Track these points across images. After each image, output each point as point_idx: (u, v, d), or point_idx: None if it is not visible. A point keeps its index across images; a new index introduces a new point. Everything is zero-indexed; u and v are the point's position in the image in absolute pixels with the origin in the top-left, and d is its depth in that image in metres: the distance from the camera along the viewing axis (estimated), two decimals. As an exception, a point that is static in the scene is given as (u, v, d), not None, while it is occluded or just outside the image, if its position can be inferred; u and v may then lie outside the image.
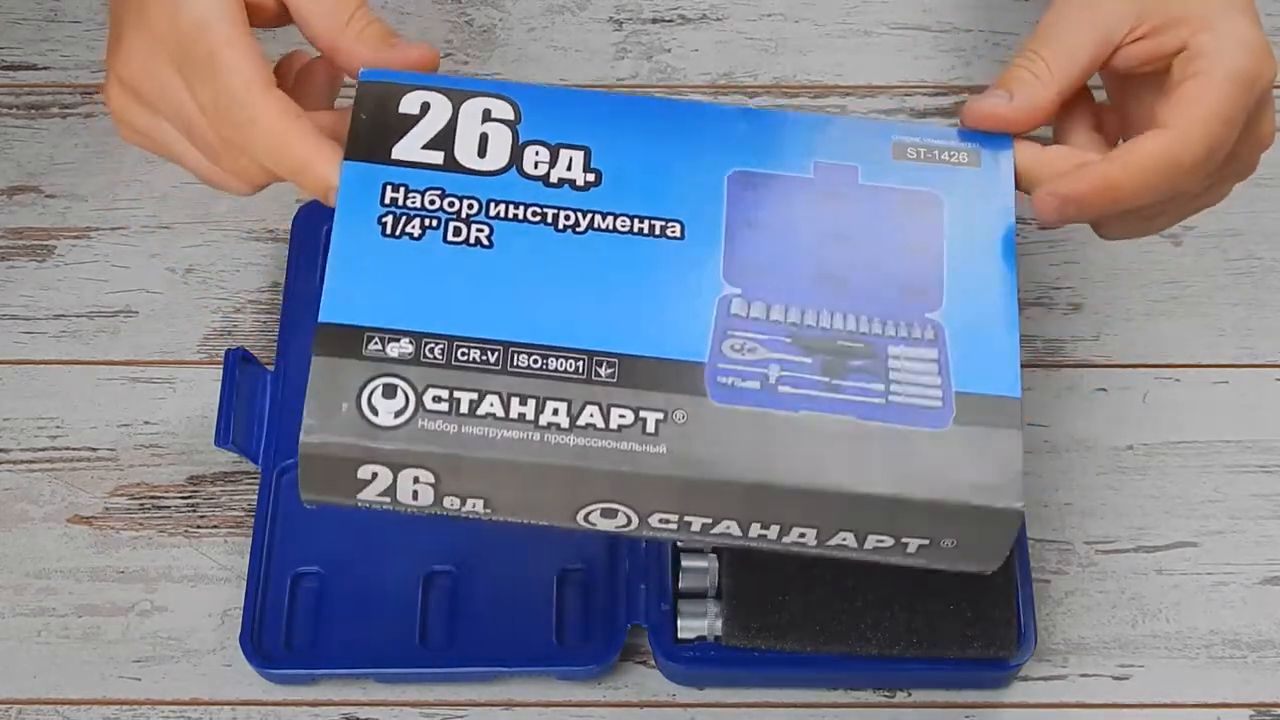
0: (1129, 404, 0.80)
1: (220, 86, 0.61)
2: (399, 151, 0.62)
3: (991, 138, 0.64)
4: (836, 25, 0.92)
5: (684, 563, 0.74)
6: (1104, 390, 0.81)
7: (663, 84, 0.90)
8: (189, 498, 0.78)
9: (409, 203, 0.61)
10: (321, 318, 0.59)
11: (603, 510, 0.60)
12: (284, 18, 0.64)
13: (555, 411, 0.59)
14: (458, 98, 0.62)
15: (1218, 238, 0.85)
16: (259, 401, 0.78)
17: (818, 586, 0.72)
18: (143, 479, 0.79)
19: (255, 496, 0.77)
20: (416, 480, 0.59)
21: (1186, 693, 0.74)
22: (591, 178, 0.62)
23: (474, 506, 0.60)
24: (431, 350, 0.59)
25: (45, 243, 0.85)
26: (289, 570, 0.75)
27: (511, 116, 0.62)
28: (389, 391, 0.59)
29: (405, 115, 0.62)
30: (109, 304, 0.83)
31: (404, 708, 0.74)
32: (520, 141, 0.62)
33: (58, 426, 0.80)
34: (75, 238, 0.85)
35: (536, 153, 0.62)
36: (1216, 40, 0.62)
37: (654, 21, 0.92)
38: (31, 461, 0.79)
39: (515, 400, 0.59)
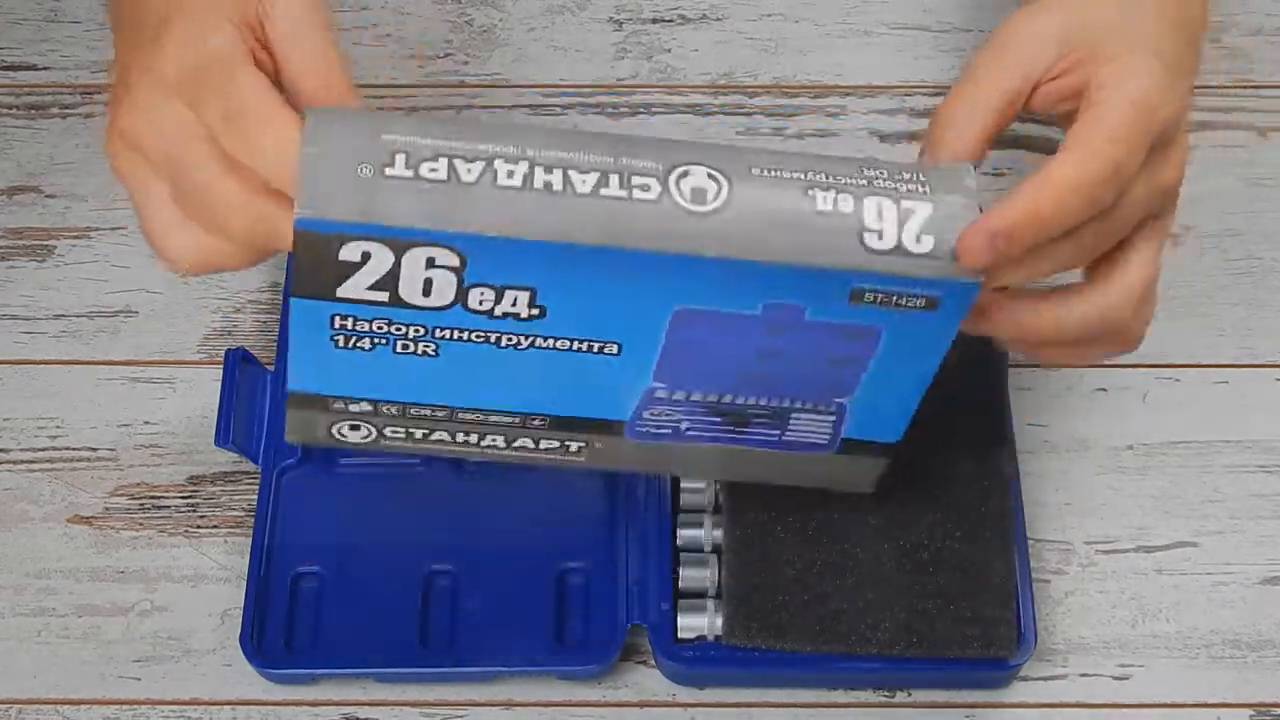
0: (1129, 404, 0.80)
1: (234, 96, 0.60)
2: (345, 291, 0.60)
3: (956, 287, 0.60)
4: (836, 25, 0.92)
5: (684, 562, 0.74)
6: (1104, 390, 0.81)
7: (662, 84, 0.90)
8: (189, 498, 0.78)
9: (358, 328, 0.62)
10: (290, 387, 0.66)
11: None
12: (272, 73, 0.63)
13: (493, 442, 0.69)
14: (400, 247, 0.58)
15: (1218, 238, 0.85)
16: (259, 401, 0.78)
17: (818, 586, 0.72)
18: (143, 479, 0.79)
19: (255, 496, 0.77)
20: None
21: (1186, 693, 0.74)
22: (536, 312, 0.61)
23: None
24: (388, 409, 0.67)
25: (45, 243, 0.85)
26: (289, 570, 0.75)
27: (457, 264, 0.59)
28: (354, 427, 0.68)
29: (345, 262, 0.59)
30: (109, 304, 0.83)
31: (404, 708, 0.74)
32: (465, 285, 0.60)
33: (58, 426, 0.80)
34: (75, 238, 0.85)
35: (481, 293, 0.60)
36: (1120, 70, 0.62)
37: (654, 21, 0.92)
38: (31, 461, 0.79)
39: (460, 433, 0.68)
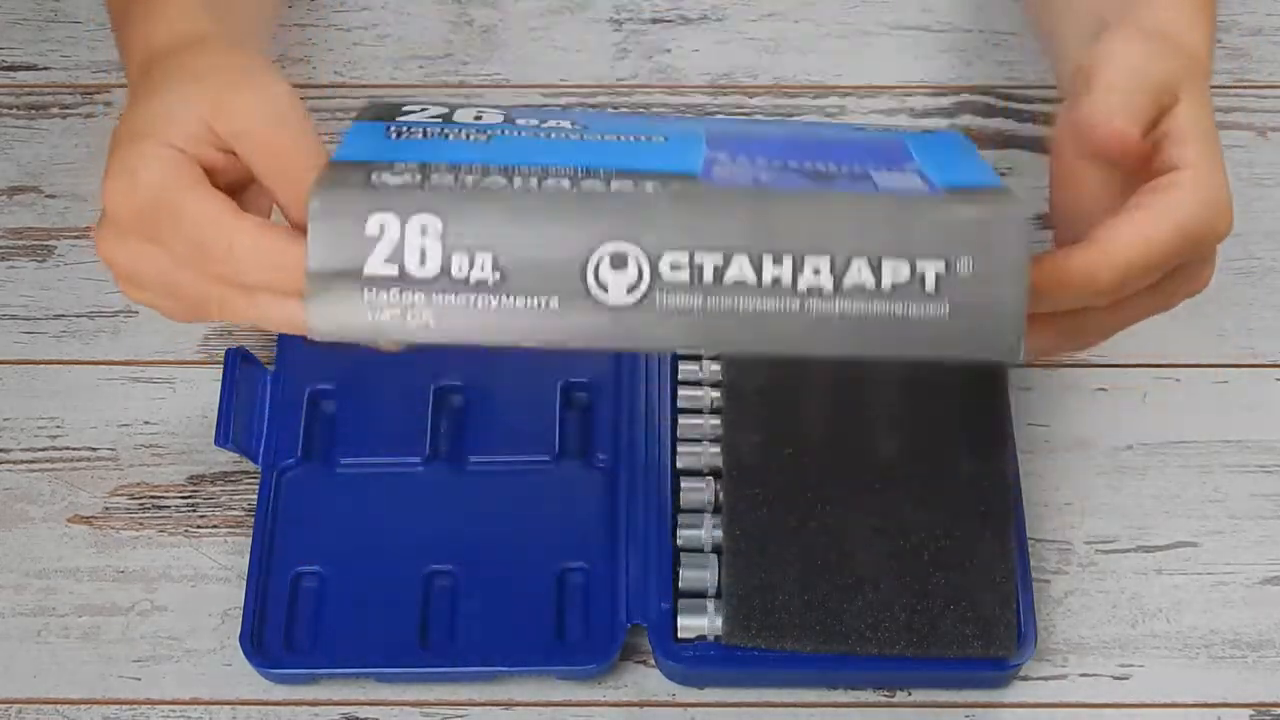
0: (1129, 404, 0.80)
1: (191, 231, 0.61)
2: (405, 116, 0.61)
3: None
4: (836, 25, 0.92)
5: (684, 562, 0.74)
6: (1104, 390, 0.81)
7: (662, 84, 0.90)
8: (189, 498, 0.78)
9: (413, 132, 0.61)
10: (334, 158, 0.59)
11: (612, 258, 0.57)
12: (242, 172, 0.63)
13: (559, 178, 0.58)
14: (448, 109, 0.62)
15: (1218, 238, 0.85)
16: (259, 401, 0.78)
17: (818, 586, 0.72)
18: (143, 479, 0.79)
19: (255, 496, 0.77)
20: (424, 231, 0.57)
21: (1187, 692, 0.74)
22: (579, 135, 0.62)
23: (482, 266, 0.57)
24: (437, 171, 0.58)
25: (45, 243, 0.85)
26: (289, 570, 0.75)
27: (500, 118, 0.63)
28: (394, 171, 0.58)
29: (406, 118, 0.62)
30: (109, 304, 0.83)
31: (404, 708, 0.74)
32: (513, 117, 0.63)
33: (58, 426, 0.80)
34: (75, 238, 0.85)
35: (525, 120, 0.63)
36: (1187, 185, 0.62)
37: (654, 22, 0.92)
38: (31, 461, 0.79)
39: (518, 177, 0.58)
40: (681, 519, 0.75)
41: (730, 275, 0.57)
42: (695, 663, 0.73)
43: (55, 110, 0.89)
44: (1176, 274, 0.64)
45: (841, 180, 0.59)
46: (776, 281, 0.57)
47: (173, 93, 0.64)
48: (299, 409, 0.78)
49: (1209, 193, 0.63)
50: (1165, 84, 0.64)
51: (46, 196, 0.86)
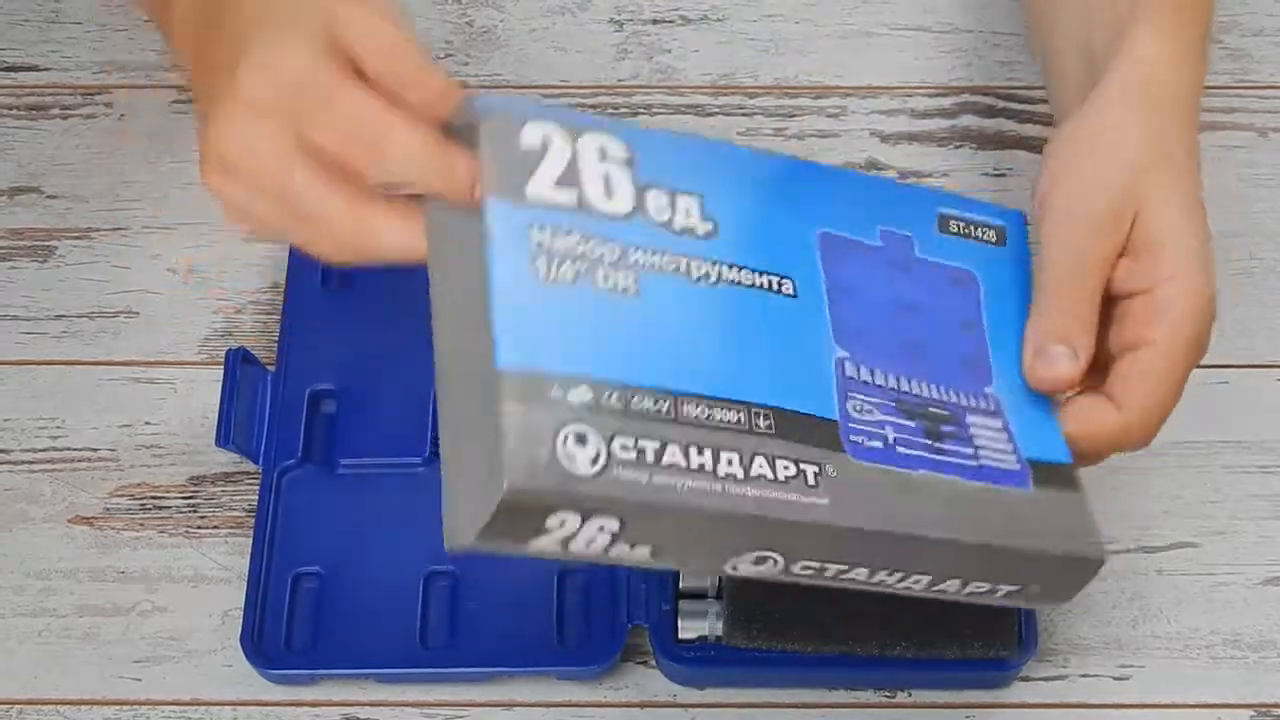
0: (1129, 404, 0.80)
1: (339, 114, 0.60)
2: (534, 187, 0.61)
3: (1009, 214, 0.70)
4: (837, 26, 0.92)
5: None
6: (1104, 390, 0.81)
7: (663, 84, 0.90)
8: (189, 498, 0.78)
9: (556, 245, 0.61)
10: (500, 364, 0.57)
11: (756, 557, 0.61)
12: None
13: (730, 462, 0.60)
14: (573, 132, 0.62)
15: (1218, 238, 0.84)
16: (259, 401, 0.78)
17: (818, 587, 0.72)
18: (143, 479, 0.79)
19: (255, 497, 0.77)
20: (601, 529, 0.58)
21: (1187, 693, 0.74)
22: (710, 227, 0.63)
23: (641, 553, 0.60)
24: (609, 398, 0.59)
25: (46, 243, 0.85)
26: (289, 570, 0.75)
27: (626, 156, 0.63)
28: (580, 439, 0.58)
29: (529, 151, 0.61)
30: (110, 304, 0.83)
31: (404, 708, 0.74)
32: (641, 183, 0.63)
33: (58, 427, 0.80)
34: (76, 238, 0.85)
35: (656, 197, 0.63)
36: (1176, 299, 0.65)
37: (654, 22, 0.92)
38: (32, 462, 0.79)
39: (694, 450, 0.59)
40: (682, 519, 0.75)
41: (848, 575, 0.63)
42: (696, 663, 0.73)
43: (56, 111, 0.89)
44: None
45: (948, 441, 0.64)
46: (881, 582, 0.63)
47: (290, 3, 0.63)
48: (299, 409, 0.78)
49: (1197, 297, 0.65)
50: (1116, 205, 0.66)
51: (47, 197, 0.86)
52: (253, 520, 0.77)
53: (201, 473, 0.79)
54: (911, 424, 0.64)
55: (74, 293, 0.83)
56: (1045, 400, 0.66)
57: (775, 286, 0.64)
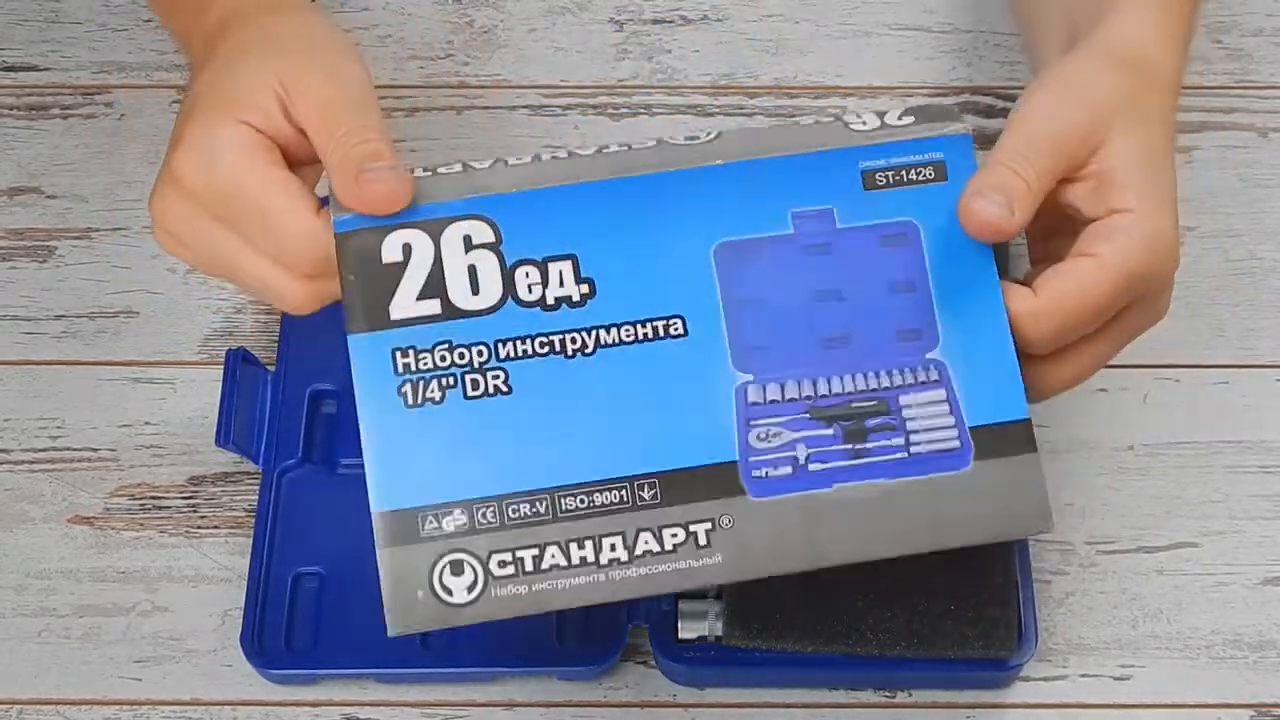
0: (1129, 404, 0.80)
1: (283, 236, 0.62)
2: (396, 310, 0.61)
3: (953, 141, 0.65)
4: (837, 25, 0.92)
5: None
6: (1104, 390, 0.81)
7: (663, 84, 0.90)
8: (189, 498, 0.78)
9: (421, 365, 0.61)
10: (374, 507, 0.61)
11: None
12: (310, 148, 0.64)
13: (613, 547, 0.61)
14: (435, 229, 0.62)
15: (1218, 238, 0.85)
16: (259, 401, 0.78)
17: (818, 586, 0.72)
18: (143, 479, 0.79)
19: (255, 497, 0.77)
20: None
21: (1187, 693, 0.74)
22: (585, 289, 0.62)
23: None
24: (484, 515, 0.61)
25: (46, 243, 0.85)
26: (289, 570, 0.75)
27: (492, 238, 0.62)
28: (456, 569, 0.61)
29: (391, 265, 0.61)
30: (110, 304, 0.83)
31: (404, 708, 0.74)
32: (508, 265, 0.62)
33: (59, 427, 0.80)
34: (76, 238, 0.85)
35: (527, 274, 0.62)
36: (1130, 229, 0.63)
37: (654, 22, 0.92)
38: (32, 462, 0.79)
39: (574, 545, 0.61)
40: (682, 519, 0.75)
41: None
42: (696, 663, 0.73)
43: (56, 111, 0.89)
44: (1126, 313, 0.65)
45: (875, 437, 0.62)
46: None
47: (252, 62, 0.64)
48: (299, 409, 0.78)
49: (1150, 236, 0.63)
50: (1080, 129, 0.64)
51: (47, 197, 0.86)
52: (253, 520, 0.77)
53: (201, 473, 0.79)
54: (829, 432, 0.63)
55: (74, 293, 0.83)
56: (1004, 344, 0.63)
57: (661, 332, 0.62)
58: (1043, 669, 0.74)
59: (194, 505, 0.78)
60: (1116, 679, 0.74)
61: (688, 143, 0.65)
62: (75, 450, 0.79)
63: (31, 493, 0.78)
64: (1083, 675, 0.74)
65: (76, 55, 0.90)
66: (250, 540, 0.76)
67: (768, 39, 0.91)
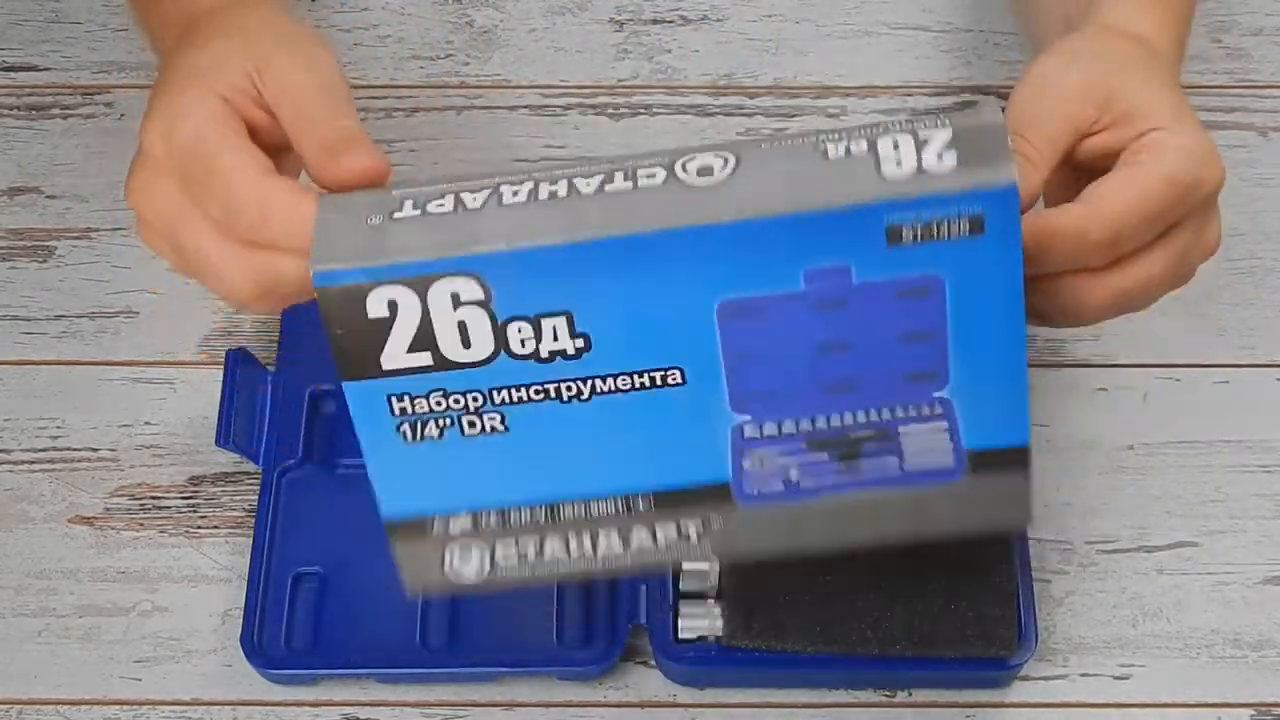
0: (1129, 404, 0.80)
1: (229, 195, 0.61)
2: (388, 361, 0.60)
3: (994, 195, 0.56)
4: (837, 25, 0.92)
5: (685, 563, 0.74)
6: (1104, 390, 0.81)
7: (663, 84, 0.90)
8: (189, 498, 0.78)
9: (418, 409, 0.61)
10: (384, 515, 0.64)
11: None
12: (283, 135, 0.63)
13: (608, 539, 0.64)
14: (420, 286, 0.58)
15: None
16: (259, 401, 0.78)
17: (818, 586, 0.72)
18: (143, 479, 0.79)
19: (256, 497, 0.77)
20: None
21: (1187, 692, 0.74)
22: (580, 343, 0.59)
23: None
24: (488, 520, 0.64)
25: (46, 243, 0.85)
26: (289, 570, 0.75)
27: (481, 296, 0.58)
28: (465, 554, 0.65)
29: (377, 320, 0.59)
30: (109, 304, 0.83)
31: (404, 708, 0.74)
32: (499, 321, 0.59)
33: (58, 427, 0.80)
34: (76, 238, 0.85)
35: (519, 329, 0.59)
36: (1164, 139, 0.62)
37: (654, 22, 0.92)
38: (32, 462, 0.79)
39: (573, 539, 0.64)
40: (682, 519, 0.75)
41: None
42: (696, 663, 0.73)
43: (55, 111, 0.89)
44: (1179, 232, 0.63)
45: (869, 457, 0.62)
46: None
47: (221, 43, 0.64)
48: (299, 409, 0.78)
49: (1189, 142, 0.62)
50: (1083, 89, 0.63)
51: (47, 197, 0.86)
52: (253, 520, 0.77)
53: (201, 473, 0.79)
54: (824, 456, 0.62)
55: (74, 293, 0.83)
56: (1019, 379, 0.60)
57: (659, 381, 0.60)
58: (1043, 668, 0.74)
59: (194, 505, 0.78)
60: (1116, 678, 0.74)
61: (701, 181, 0.57)
62: (75, 450, 0.79)
63: (31, 493, 0.78)
64: (1083, 675, 0.74)
65: (76, 55, 0.91)
66: (250, 540, 0.76)
67: (768, 39, 0.91)
